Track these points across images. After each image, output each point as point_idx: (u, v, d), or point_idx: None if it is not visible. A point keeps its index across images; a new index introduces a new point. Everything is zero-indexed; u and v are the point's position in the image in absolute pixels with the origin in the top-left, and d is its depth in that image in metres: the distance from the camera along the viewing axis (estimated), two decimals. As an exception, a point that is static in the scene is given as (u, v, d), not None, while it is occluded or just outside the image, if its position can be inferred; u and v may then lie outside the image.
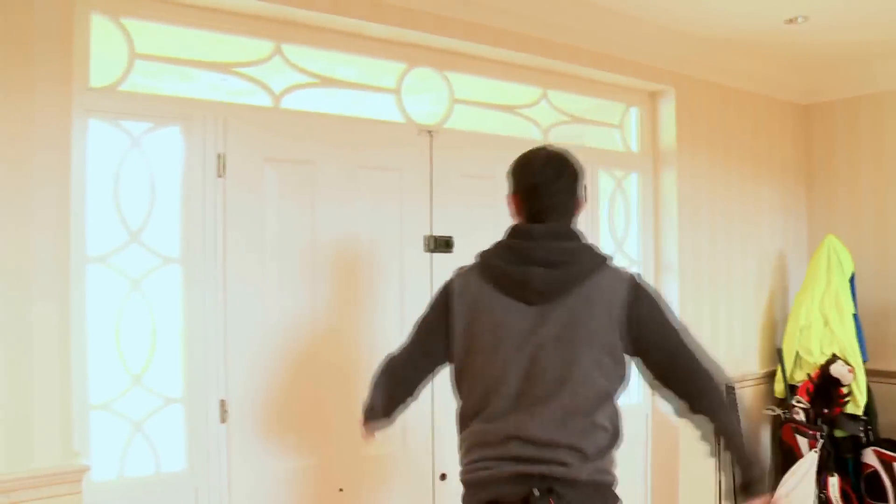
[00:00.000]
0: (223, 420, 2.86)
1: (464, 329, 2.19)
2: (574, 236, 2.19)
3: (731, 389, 2.27)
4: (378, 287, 3.21)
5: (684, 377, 2.19)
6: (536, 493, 2.03)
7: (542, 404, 2.08)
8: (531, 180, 2.19)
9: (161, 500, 2.78)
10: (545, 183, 2.18)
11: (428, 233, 3.33)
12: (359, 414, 2.45)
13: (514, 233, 2.20)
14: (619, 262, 4.09)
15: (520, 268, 2.13)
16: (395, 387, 2.40)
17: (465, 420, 2.22)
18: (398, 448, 3.28)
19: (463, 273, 2.27)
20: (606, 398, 2.14)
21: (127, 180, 2.76)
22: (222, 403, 2.86)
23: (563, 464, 2.05)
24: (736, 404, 2.34)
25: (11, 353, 2.40)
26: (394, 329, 3.22)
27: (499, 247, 2.21)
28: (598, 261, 2.18)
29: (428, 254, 3.34)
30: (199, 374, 2.84)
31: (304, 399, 3.05)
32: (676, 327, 2.18)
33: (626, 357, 2.15)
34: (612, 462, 2.18)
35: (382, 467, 3.23)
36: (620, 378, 2.16)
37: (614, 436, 2.18)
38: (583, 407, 2.09)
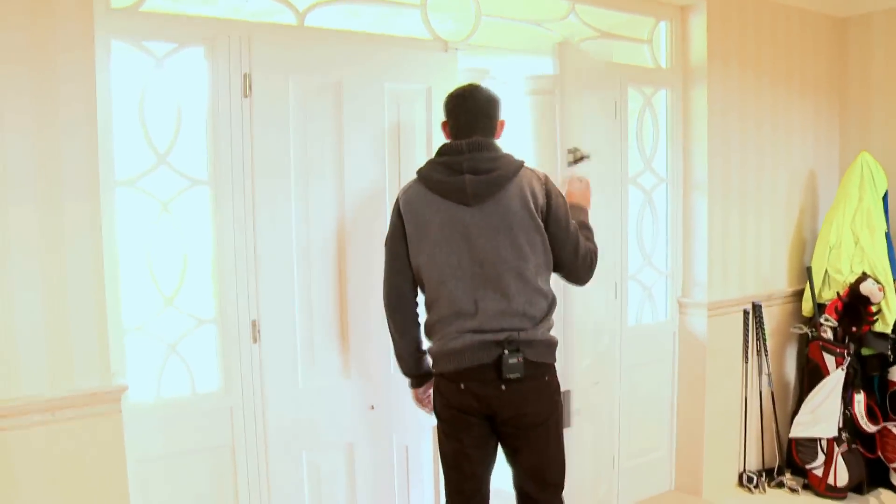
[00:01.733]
0: (255, 340, 2.90)
1: (415, 230, 2.63)
2: (494, 147, 2.68)
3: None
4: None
5: (568, 252, 2.72)
6: (507, 353, 2.55)
7: (494, 281, 2.59)
8: (458, 106, 2.70)
9: (197, 419, 2.85)
10: (467, 108, 2.69)
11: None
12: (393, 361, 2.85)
13: (445, 150, 2.67)
14: (647, 179, 4.10)
15: (455, 178, 2.59)
16: (410, 323, 2.77)
17: (429, 305, 2.68)
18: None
19: (407, 189, 2.70)
20: (542, 270, 2.66)
21: (152, 102, 2.73)
22: (254, 324, 2.89)
23: (520, 329, 2.59)
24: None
25: (48, 281, 2.43)
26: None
27: (434, 163, 2.67)
28: (517, 165, 2.65)
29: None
30: (230, 295, 2.86)
31: (333, 319, 3.07)
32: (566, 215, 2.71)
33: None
34: (552, 324, 2.71)
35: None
36: (546, 252, 2.66)
37: (553, 301, 2.70)
38: (525, 279, 2.61)
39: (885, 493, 4.20)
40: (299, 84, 2.93)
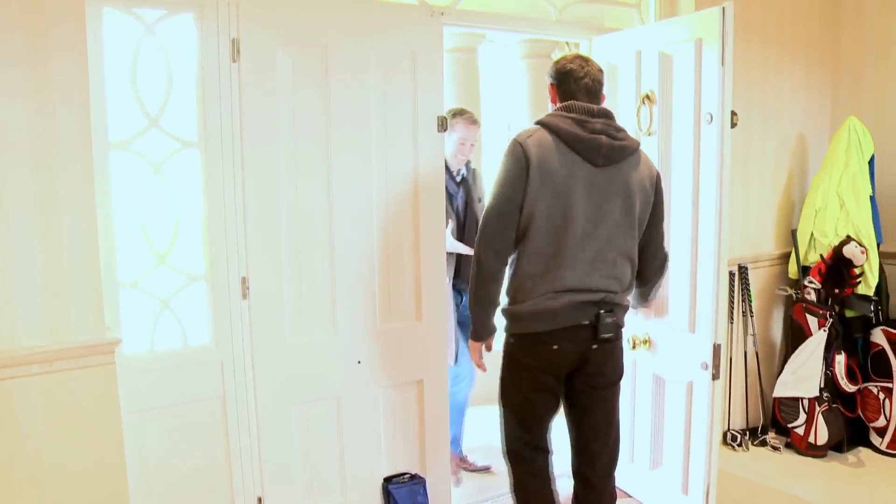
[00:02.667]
0: (244, 296, 3.02)
1: (539, 177, 2.68)
2: (615, 118, 2.83)
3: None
4: (392, 167, 3.30)
5: (654, 251, 2.97)
6: (603, 313, 2.76)
7: (603, 242, 2.74)
8: (582, 68, 2.82)
9: (189, 371, 2.97)
10: (592, 74, 2.83)
11: (441, 113, 3.38)
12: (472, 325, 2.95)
13: (575, 108, 2.76)
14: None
15: (590, 136, 2.69)
16: (503, 271, 2.86)
17: (528, 257, 2.75)
18: (412, 322, 3.44)
19: (532, 135, 2.74)
20: (635, 244, 2.85)
21: (144, 68, 2.82)
22: (243, 281, 3.01)
23: (613, 291, 2.79)
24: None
25: (44, 239, 2.55)
26: (408, 209, 3.34)
27: (563, 117, 2.74)
28: (637, 143, 2.84)
29: (441, 133, 3.40)
30: (220, 253, 2.98)
31: (321, 276, 3.19)
32: (664, 216, 2.98)
33: None
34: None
35: (399, 338, 3.41)
36: (641, 231, 2.88)
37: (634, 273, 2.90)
38: (626, 250, 2.81)
39: (863, 451, 4.31)
40: (287, 49, 3.02)
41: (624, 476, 4.00)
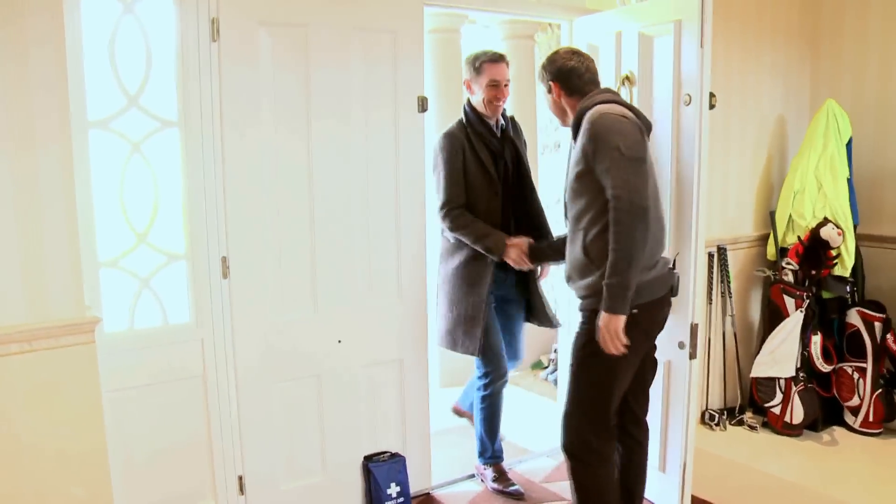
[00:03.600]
0: (225, 276, 3.03)
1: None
2: None
3: None
4: (373, 147, 3.31)
5: None
6: (677, 273, 3.07)
7: (660, 208, 2.95)
8: (587, 58, 3.02)
9: (170, 349, 2.99)
10: (591, 69, 3.02)
11: (421, 93, 3.39)
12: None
13: (609, 91, 3.00)
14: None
15: (640, 116, 2.90)
16: None
17: (655, 222, 2.84)
18: (393, 301, 3.46)
19: (623, 112, 2.82)
20: None
21: (123, 46, 2.82)
22: (224, 260, 3.02)
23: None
24: None
25: (23, 218, 2.54)
26: (389, 188, 3.35)
27: (624, 104, 2.91)
28: None
29: (421, 114, 3.41)
30: (200, 232, 2.99)
31: (301, 255, 3.21)
32: None
33: None
34: None
35: (379, 318, 3.44)
36: None
37: None
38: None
39: (838, 430, 4.36)
40: (267, 28, 3.02)
41: (602, 454, 4.05)
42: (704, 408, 4.60)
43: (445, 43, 5.10)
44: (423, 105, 3.40)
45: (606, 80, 3.75)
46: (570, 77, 2.96)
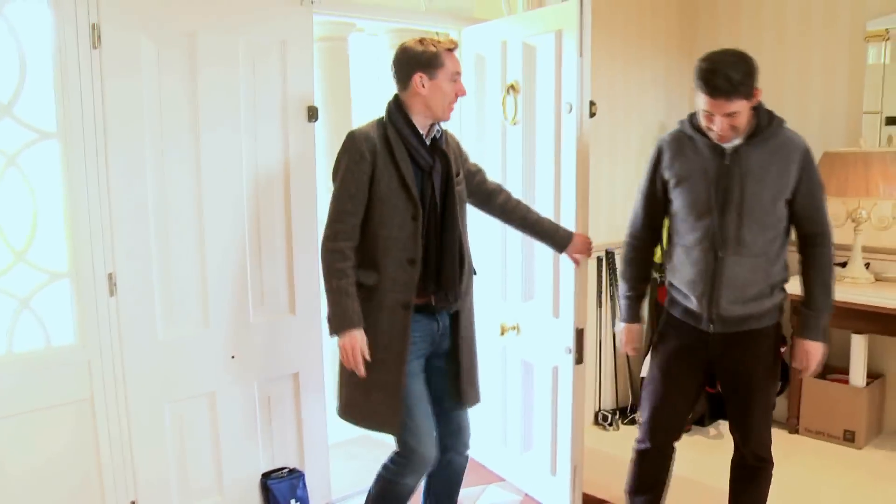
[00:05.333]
0: (112, 293, 2.90)
1: None
2: None
3: None
4: (263, 158, 3.24)
5: None
6: None
7: None
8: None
9: (54, 373, 2.83)
10: None
11: (311, 103, 3.34)
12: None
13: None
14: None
15: None
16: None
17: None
18: (286, 315, 3.40)
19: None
20: None
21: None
22: (110, 276, 2.89)
23: None
24: None
25: None
26: (279, 200, 3.30)
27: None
28: None
29: (311, 124, 3.36)
30: (84, 249, 2.85)
31: (191, 270, 3.11)
32: None
33: None
34: None
35: (273, 332, 3.36)
36: None
37: None
38: None
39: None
40: (152, 36, 2.91)
41: (497, 459, 4.10)
42: (597, 408, 4.71)
43: (332, 52, 5.05)
44: (312, 115, 3.35)
45: (493, 89, 3.80)
46: None
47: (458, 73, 2.85)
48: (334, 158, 2.79)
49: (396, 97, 2.86)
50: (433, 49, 2.78)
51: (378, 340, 2.77)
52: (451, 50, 2.83)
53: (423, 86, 2.77)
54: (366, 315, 2.75)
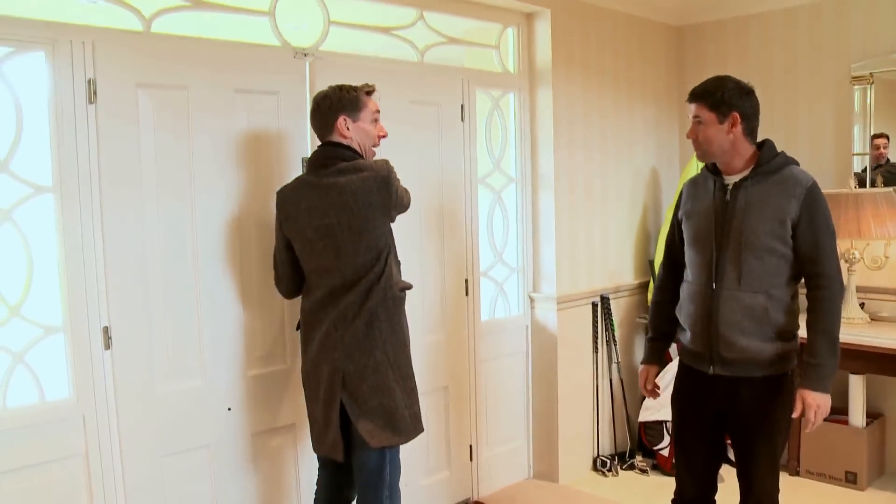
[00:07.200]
0: (107, 347, 2.88)
1: None
2: None
3: None
4: (258, 210, 3.25)
5: None
6: None
7: None
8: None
9: (48, 428, 2.79)
10: None
11: (306, 155, 3.36)
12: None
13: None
14: (496, 180, 4.25)
15: None
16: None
17: None
18: (283, 365, 3.37)
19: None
20: None
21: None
22: (105, 330, 2.88)
23: None
24: None
25: None
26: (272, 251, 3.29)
27: None
28: None
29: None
30: (79, 303, 2.83)
31: (187, 321, 3.09)
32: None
33: None
34: None
35: (269, 384, 3.33)
36: None
37: None
38: None
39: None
40: (147, 90, 2.93)
41: None
42: (596, 454, 4.67)
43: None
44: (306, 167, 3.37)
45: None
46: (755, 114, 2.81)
47: (377, 113, 2.93)
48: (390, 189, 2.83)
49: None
50: (353, 93, 2.87)
51: None
52: (369, 93, 2.91)
53: (345, 131, 2.85)
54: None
